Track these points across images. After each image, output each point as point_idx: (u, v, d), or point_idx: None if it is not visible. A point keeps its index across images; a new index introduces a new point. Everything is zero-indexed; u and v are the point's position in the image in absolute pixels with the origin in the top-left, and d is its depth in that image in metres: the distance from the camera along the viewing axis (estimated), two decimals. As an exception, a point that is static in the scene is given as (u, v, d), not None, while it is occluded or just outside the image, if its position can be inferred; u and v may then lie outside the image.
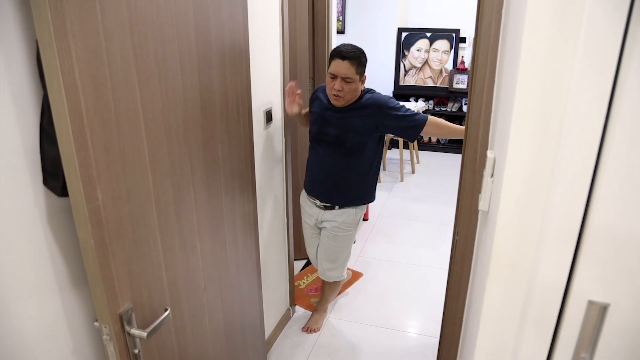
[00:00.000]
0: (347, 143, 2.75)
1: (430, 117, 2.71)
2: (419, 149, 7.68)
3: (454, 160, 7.39)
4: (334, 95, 2.63)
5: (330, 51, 3.14)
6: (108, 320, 1.35)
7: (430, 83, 7.63)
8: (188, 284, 1.77)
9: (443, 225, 5.19)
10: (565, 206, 0.93)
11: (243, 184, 2.15)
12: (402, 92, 7.72)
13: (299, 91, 2.86)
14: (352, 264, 4.38)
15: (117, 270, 1.35)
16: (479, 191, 1.57)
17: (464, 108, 7.46)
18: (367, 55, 2.65)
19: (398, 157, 7.11)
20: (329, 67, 2.61)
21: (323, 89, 2.85)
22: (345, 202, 2.94)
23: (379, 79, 7.71)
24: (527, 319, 1.06)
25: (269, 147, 2.87)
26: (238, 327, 2.30)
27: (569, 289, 0.99)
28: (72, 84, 1.14)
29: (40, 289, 1.35)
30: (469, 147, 1.76)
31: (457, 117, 7.63)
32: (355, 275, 4.14)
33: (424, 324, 3.59)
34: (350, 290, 3.96)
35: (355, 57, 2.57)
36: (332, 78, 2.59)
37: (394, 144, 7.85)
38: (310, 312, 3.65)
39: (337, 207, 2.96)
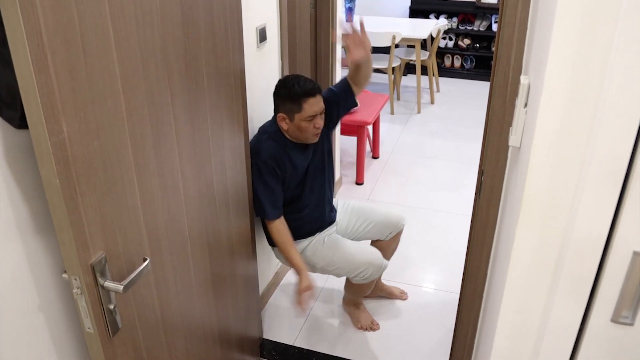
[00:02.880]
0: (330, 162, 2.96)
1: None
2: (439, 75, 7.61)
3: (480, 88, 7.33)
4: (317, 134, 2.69)
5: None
6: (78, 271, 1.36)
7: (454, -4, 7.49)
8: (170, 230, 1.78)
9: (466, 165, 5.20)
10: (610, 143, 0.92)
11: (233, 112, 2.14)
12: (420, 7, 7.58)
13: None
14: (360, 208, 4.41)
15: (88, 215, 1.36)
16: (509, 124, 1.56)
17: (494, 27, 7.34)
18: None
19: (414, 84, 7.05)
20: (299, 112, 2.58)
21: (273, 151, 2.67)
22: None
23: (394, -10, 7.57)
24: (561, 273, 1.07)
25: (263, 69, 2.84)
26: (228, 279, 2.33)
27: (611, 238, 1.00)
28: (28, -6, 1.11)
29: (-1, 235, 1.36)
30: (499, 72, 1.74)
31: (486, 38, 7.52)
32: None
33: (443, 278, 3.65)
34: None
35: (320, 86, 2.65)
36: (310, 120, 2.61)
37: (410, 69, 7.77)
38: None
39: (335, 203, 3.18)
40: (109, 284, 1.45)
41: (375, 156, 5.37)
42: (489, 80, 1.92)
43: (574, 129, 0.96)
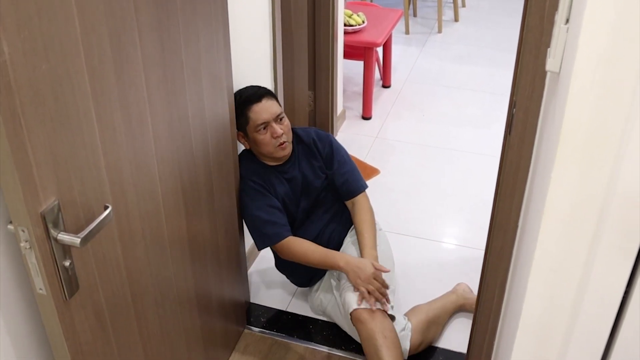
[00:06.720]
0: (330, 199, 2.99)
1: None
2: (465, -14, 7.53)
3: (514, 2, 7.24)
4: (280, 145, 2.71)
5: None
6: (26, 221, 1.37)
7: None
8: (136, 172, 1.79)
9: (496, 96, 5.18)
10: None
11: (212, 32, 2.12)
12: None
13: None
14: (366, 150, 4.43)
15: (36, 153, 1.36)
16: (547, 45, 1.55)
17: None
18: None
19: (435, -3, 6.99)
20: (247, 123, 2.68)
21: (255, 171, 2.78)
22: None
23: None
24: (606, 224, 1.07)
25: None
26: (207, 233, 2.35)
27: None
28: None
29: None
30: (536, -19, 1.72)
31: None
32: (370, 171, 4.19)
33: (465, 232, 3.68)
34: (363, 184, 4.00)
35: (269, 90, 2.77)
36: (264, 128, 2.67)
37: (429, -22, 7.68)
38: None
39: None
40: (63, 236, 1.45)
41: (386, 85, 5.36)
42: (524, -8, 1.89)
43: (625, 48, 0.95)
